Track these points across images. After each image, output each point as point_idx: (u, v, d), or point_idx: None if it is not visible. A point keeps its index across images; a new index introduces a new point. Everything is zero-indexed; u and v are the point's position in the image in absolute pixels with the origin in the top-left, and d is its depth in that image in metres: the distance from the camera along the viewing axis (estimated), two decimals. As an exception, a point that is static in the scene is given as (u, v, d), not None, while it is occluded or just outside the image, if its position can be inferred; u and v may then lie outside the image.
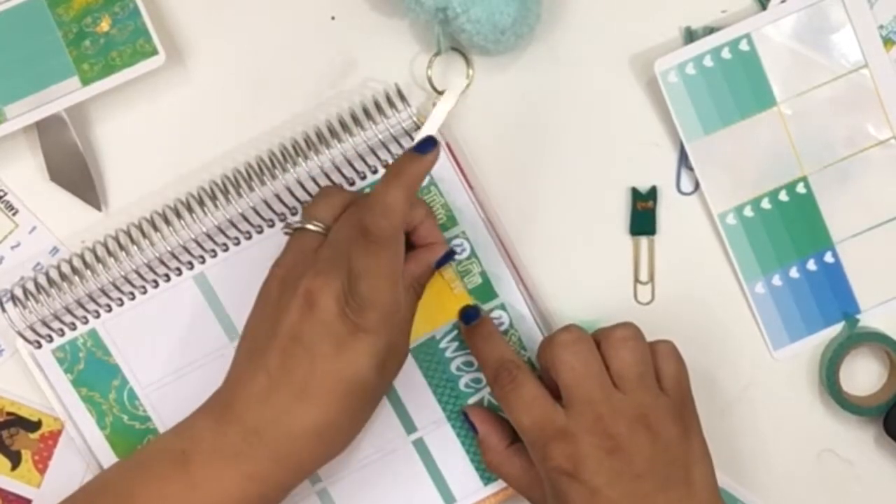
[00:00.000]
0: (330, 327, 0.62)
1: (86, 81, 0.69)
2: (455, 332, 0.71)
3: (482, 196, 0.72)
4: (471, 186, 0.71)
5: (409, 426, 0.71)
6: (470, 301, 0.71)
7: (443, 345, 0.71)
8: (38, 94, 0.69)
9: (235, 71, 0.72)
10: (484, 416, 0.70)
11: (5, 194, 0.72)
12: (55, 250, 0.72)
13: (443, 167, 0.70)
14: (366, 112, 0.69)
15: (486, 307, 0.71)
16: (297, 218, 0.69)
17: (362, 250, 0.62)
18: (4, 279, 0.71)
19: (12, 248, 0.72)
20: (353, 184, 0.71)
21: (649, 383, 0.64)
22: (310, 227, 0.66)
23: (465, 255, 0.71)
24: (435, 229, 0.70)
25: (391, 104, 0.69)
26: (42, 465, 0.72)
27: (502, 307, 0.71)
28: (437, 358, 0.71)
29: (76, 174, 0.71)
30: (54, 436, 0.72)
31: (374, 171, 0.71)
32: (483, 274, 0.71)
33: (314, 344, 0.62)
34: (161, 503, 0.62)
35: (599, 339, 0.65)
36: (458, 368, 0.71)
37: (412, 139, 0.70)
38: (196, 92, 0.72)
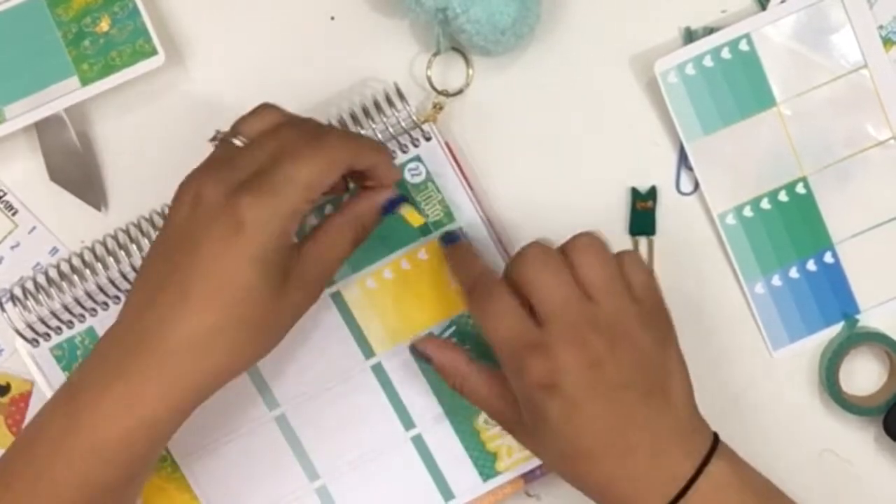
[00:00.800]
0: (214, 221, 0.58)
1: (85, 81, 0.69)
2: (454, 329, 0.71)
3: (480, 195, 0.72)
4: (469, 184, 0.71)
5: (408, 422, 0.71)
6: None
7: None
8: (37, 94, 0.69)
9: (235, 71, 0.72)
10: (435, 341, 0.68)
11: (5, 194, 0.72)
12: (55, 250, 0.72)
13: (441, 164, 0.70)
14: (365, 111, 0.69)
15: None
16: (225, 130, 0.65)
17: (306, 148, 0.59)
18: (4, 279, 0.71)
19: (12, 248, 0.72)
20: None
21: (619, 289, 0.62)
22: (235, 141, 0.62)
23: None
24: (389, 173, 0.65)
25: (390, 103, 0.69)
26: (16, 427, 0.72)
27: None
28: None
29: (76, 174, 0.71)
30: (24, 397, 0.72)
31: None
32: None
33: (197, 242, 0.58)
34: (48, 441, 0.59)
35: (564, 251, 0.63)
36: None
37: (411, 137, 0.70)
38: (196, 92, 0.72)
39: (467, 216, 0.71)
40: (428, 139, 0.70)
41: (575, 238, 0.63)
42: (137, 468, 0.61)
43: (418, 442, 0.72)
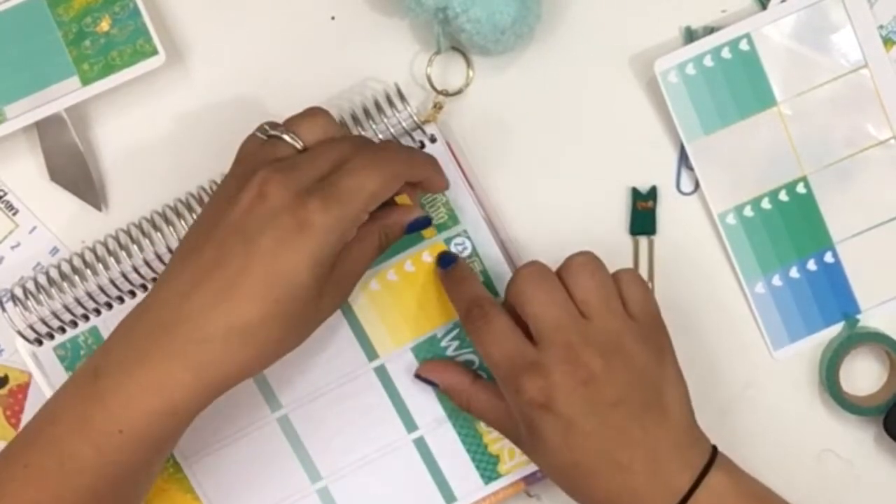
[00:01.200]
0: (276, 219, 0.59)
1: (86, 81, 0.69)
2: (457, 331, 0.71)
3: (482, 196, 0.72)
4: (471, 186, 0.71)
5: (410, 425, 0.71)
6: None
7: (444, 343, 0.71)
8: (38, 93, 0.69)
9: (235, 71, 0.72)
10: (439, 366, 0.70)
11: (5, 194, 0.72)
12: (55, 250, 0.72)
13: (445, 166, 0.70)
14: (366, 112, 0.69)
15: None
16: (273, 127, 0.64)
17: (367, 161, 0.61)
18: (4, 279, 0.71)
19: (12, 248, 0.72)
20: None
21: (615, 307, 0.63)
22: (286, 138, 0.63)
23: (466, 253, 0.71)
24: (441, 183, 0.67)
25: (391, 104, 0.69)
26: (14, 419, 0.72)
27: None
28: (439, 356, 0.71)
29: (76, 174, 0.71)
30: (23, 388, 0.72)
31: None
32: (485, 272, 0.71)
33: (255, 236, 0.59)
34: (72, 423, 0.59)
35: (559, 272, 0.64)
36: None
37: (413, 139, 0.70)
38: (196, 92, 0.72)
39: (471, 218, 0.71)
40: (433, 141, 0.70)
41: (570, 258, 0.65)
42: (158, 452, 0.62)
43: (420, 444, 0.72)
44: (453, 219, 0.71)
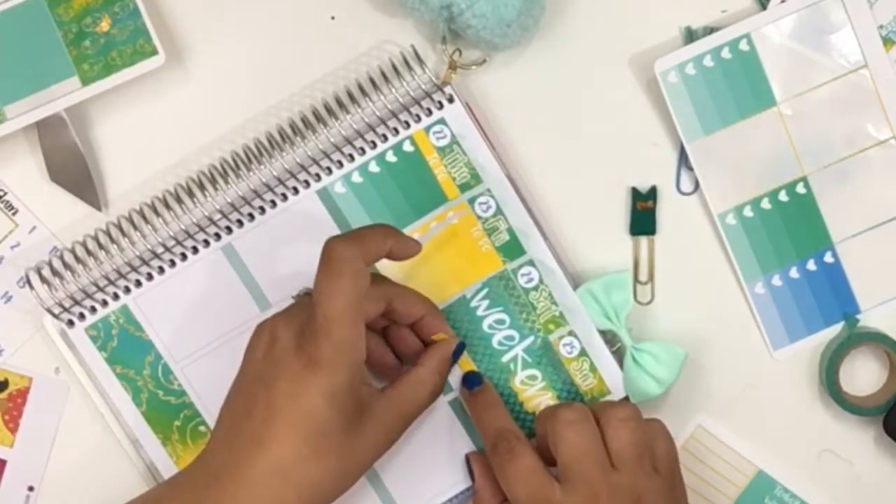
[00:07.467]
0: (287, 363, 0.62)
1: (86, 81, 0.69)
2: (486, 291, 0.71)
3: (503, 154, 0.72)
4: (492, 145, 0.71)
5: (445, 386, 0.71)
6: (499, 259, 0.71)
7: (473, 303, 0.71)
8: (38, 94, 0.69)
9: (235, 71, 0.72)
10: (484, 468, 0.69)
11: (5, 194, 0.72)
12: (55, 250, 0.72)
13: (465, 126, 0.71)
14: (383, 75, 0.70)
15: (514, 264, 0.71)
16: (303, 288, 0.69)
17: (321, 275, 0.62)
18: (4, 279, 0.71)
19: (12, 247, 0.72)
20: (375, 146, 0.70)
21: (646, 464, 0.64)
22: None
23: (491, 212, 0.71)
24: (442, 324, 0.70)
25: (408, 67, 0.69)
26: (13, 423, 0.72)
27: (531, 263, 0.71)
28: (469, 317, 0.71)
29: (76, 174, 0.71)
30: (22, 394, 0.72)
31: (396, 133, 0.70)
32: (510, 231, 0.71)
33: (272, 381, 0.62)
34: None
35: (599, 416, 0.65)
36: (491, 326, 0.71)
37: (432, 100, 0.70)
38: (196, 92, 0.72)
39: (493, 177, 0.71)
40: (451, 101, 0.70)
41: (613, 409, 0.65)
42: None
43: (456, 405, 0.71)
44: (476, 178, 0.71)
